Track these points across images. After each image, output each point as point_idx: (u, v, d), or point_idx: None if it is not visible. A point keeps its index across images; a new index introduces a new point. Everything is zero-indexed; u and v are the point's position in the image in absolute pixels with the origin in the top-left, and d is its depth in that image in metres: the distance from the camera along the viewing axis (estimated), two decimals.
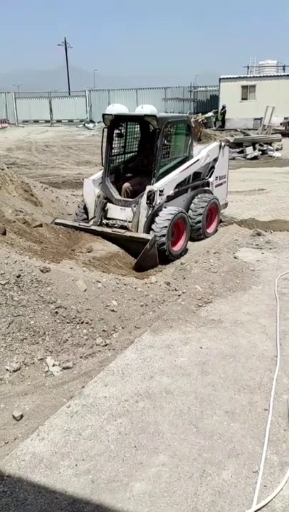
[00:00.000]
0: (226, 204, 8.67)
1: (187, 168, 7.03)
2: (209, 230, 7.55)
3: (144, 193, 6.29)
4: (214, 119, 29.77)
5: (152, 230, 6.23)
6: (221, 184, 8.15)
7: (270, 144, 18.44)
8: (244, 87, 30.09)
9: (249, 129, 25.08)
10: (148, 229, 6.29)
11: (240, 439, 2.98)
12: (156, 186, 6.31)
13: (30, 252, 5.11)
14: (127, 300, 4.72)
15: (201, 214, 7.15)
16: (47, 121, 37.51)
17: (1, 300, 3.97)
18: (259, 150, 17.84)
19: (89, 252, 5.95)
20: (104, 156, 6.89)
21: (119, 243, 6.34)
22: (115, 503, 2.51)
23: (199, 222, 7.15)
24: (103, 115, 6.96)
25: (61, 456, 2.84)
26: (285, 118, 25.41)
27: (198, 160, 7.31)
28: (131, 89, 38.61)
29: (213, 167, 7.84)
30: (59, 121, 37.67)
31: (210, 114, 30.09)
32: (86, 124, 33.77)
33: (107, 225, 6.65)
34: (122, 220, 6.59)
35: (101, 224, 6.69)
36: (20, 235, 5.67)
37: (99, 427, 3.09)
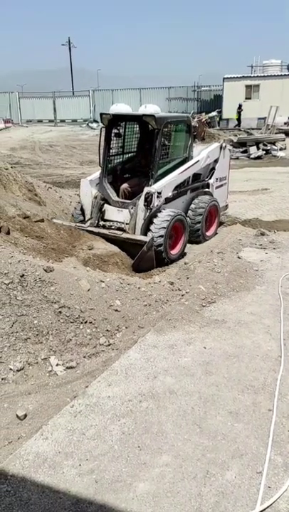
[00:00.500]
0: (227, 206, 8.56)
1: (186, 169, 6.91)
2: (208, 233, 7.44)
3: (141, 194, 6.18)
4: (218, 119, 29.70)
5: (150, 231, 6.11)
6: (221, 186, 8.03)
7: (273, 144, 18.41)
8: (248, 87, 30.05)
9: (253, 129, 25.04)
10: (145, 231, 6.17)
11: (244, 439, 2.97)
12: (154, 188, 6.19)
13: (33, 252, 5.12)
14: (131, 300, 4.72)
15: (200, 215, 7.03)
16: (51, 121, 37.60)
17: (4, 300, 3.98)
18: (263, 150, 17.81)
19: (90, 249, 5.92)
20: (101, 156, 6.80)
21: (117, 244, 6.24)
22: (119, 503, 2.51)
23: (198, 224, 7.04)
24: (101, 114, 6.83)
25: (65, 456, 2.84)
26: None
27: (198, 161, 7.20)
28: (134, 89, 38.60)
29: (213, 168, 7.72)
30: (63, 120, 37.75)
31: (214, 113, 30.01)
32: (90, 124, 33.84)
33: (104, 227, 6.52)
34: (119, 222, 6.48)
35: (98, 225, 6.57)
36: (22, 230, 5.66)
37: (102, 426, 3.09)
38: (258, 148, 17.87)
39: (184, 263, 6.19)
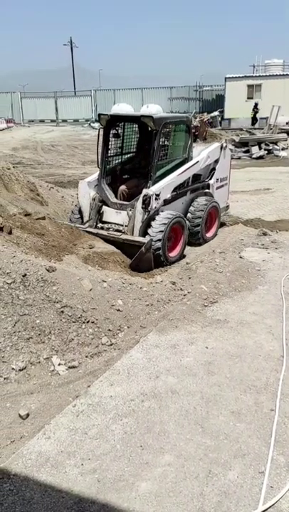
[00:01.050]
0: (228, 207, 8.48)
1: (186, 170, 6.81)
2: (208, 235, 7.35)
3: (140, 196, 6.10)
4: (219, 119, 29.62)
5: (148, 234, 6.04)
6: (222, 186, 7.93)
7: (275, 144, 18.37)
8: (250, 86, 29.98)
9: (255, 129, 24.99)
10: (144, 233, 6.09)
11: (247, 439, 2.97)
12: (152, 190, 6.11)
13: (35, 251, 5.13)
14: (133, 300, 4.72)
15: (200, 218, 6.94)
16: (52, 121, 37.59)
17: (7, 299, 3.98)
18: (265, 149, 17.78)
19: (90, 248, 5.92)
20: (99, 157, 6.73)
21: (115, 246, 6.19)
22: (121, 503, 2.51)
23: (198, 226, 6.95)
24: (99, 115, 6.75)
25: (67, 456, 2.84)
26: None
27: (197, 162, 7.09)
28: (136, 89, 38.55)
29: (214, 169, 7.62)
30: (65, 120, 37.74)
31: (216, 113, 29.97)
32: (92, 124, 33.81)
33: (102, 229, 6.47)
34: (118, 224, 6.42)
35: (96, 227, 6.52)
36: (23, 227, 5.66)
37: (105, 426, 3.09)
38: (260, 148, 17.84)
39: (185, 263, 6.18)
